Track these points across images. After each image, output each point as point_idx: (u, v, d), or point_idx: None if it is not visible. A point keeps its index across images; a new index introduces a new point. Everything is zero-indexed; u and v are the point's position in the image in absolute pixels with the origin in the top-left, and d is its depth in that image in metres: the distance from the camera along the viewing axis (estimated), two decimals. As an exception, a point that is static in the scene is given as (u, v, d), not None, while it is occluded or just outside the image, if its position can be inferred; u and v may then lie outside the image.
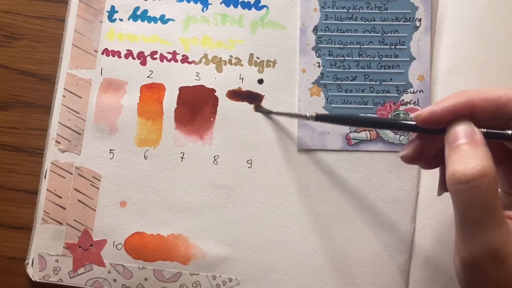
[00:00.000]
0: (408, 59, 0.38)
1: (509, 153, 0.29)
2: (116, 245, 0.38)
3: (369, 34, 0.39)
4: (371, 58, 0.38)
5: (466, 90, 0.27)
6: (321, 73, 0.39)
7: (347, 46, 0.39)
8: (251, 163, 0.38)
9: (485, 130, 0.26)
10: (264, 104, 0.39)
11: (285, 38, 0.39)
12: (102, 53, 0.39)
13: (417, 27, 0.38)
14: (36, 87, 0.40)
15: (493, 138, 0.26)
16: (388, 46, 0.38)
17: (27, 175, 0.40)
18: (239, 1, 0.39)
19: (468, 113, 0.26)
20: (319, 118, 0.34)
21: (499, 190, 0.31)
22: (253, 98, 0.39)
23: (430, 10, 0.38)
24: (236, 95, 0.39)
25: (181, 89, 0.39)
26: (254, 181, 0.38)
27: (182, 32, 0.39)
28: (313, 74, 0.39)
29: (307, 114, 0.34)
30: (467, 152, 0.25)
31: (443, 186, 0.30)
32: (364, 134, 0.38)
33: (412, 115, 0.28)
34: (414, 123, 0.28)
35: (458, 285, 0.27)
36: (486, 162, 0.24)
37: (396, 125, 0.32)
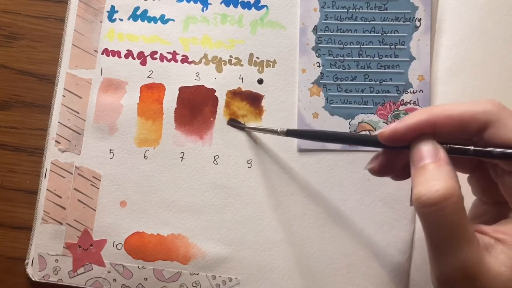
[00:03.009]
0: (408, 59, 0.38)
1: (480, 161, 0.29)
2: (116, 245, 0.38)
3: (369, 34, 0.39)
4: (371, 58, 0.38)
5: (429, 107, 0.27)
6: (321, 73, 0.39)
7: (347, 46, 0.39)
8: (251, 163, 0.38)
9: (448, 146, 0.26)
10: (264, 104, 0.39)
11: (285, 38, 0.39)
12: (102, 53, 0.39)
13: (417, 27, 0.38)
14: (36, 87, 0.40)
15: (456, 154, 0.26)
16: (388, 46, 0.38)
17: (27, 175, 0.40)
18: (239, 1, 0.39)
19: (431, 130, 0.26)
20: (289, 133, 0.34)
21: (474, 197, 0.31)
22: (253, 98, 0.39)
23: (430, 10, 0.38)
24: (236, 95, 0.39)
25: (181, 89, 0.39)
26: (254, 181, 0.38)
27: (182, 32, 0.39)
28: (313, 74, 0.39)
29: (278, 130, 0.35)
30: (431, 174, 0.25)
31: None
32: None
33: (375, 132, 0.28)
34: (376, 138, 0.28)
35: None
36: (450, 183, 0.25)
37: (361, 141, 0.32)
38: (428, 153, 0.26)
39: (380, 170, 0.30)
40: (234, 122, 0.38)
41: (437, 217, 0.24)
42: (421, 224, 0.26)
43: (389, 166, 0.30)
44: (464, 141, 0.27)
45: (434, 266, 0.26)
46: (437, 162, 0.25)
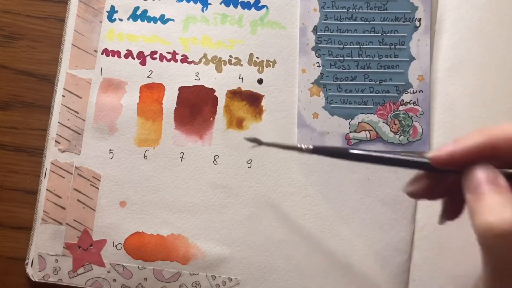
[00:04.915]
0: (408, 59, 0.38)
1: None
2: (116, 245, 0.38)
3: (369, 34, 0.39)
4: (371, 58, 0.38)
5: (486, 129, 0.25)
6: (321, 73, 0.39)
7: (347, 46, 0.39)
8: (251, 163, 0.38)
9: (505, 170, 0.24)
10: (264, 104, 0.39)
11: (284, 38, 0.39)
12: (102, 53, 0.39)
13: (417, 27, 0.38)
14: (36, 87, 0.40)
15: None
16: (388, 46, 0.38)
17: (27, 175, 0.40)
18: (239, 1, 0.39)
19: (490, 153, 0.24)
20: (316, 151, 0.29)
21: None
22: (253, 98, 0.39)
23: (430, 10, 0.38)
24: (236, 95, 0.39)
25: (181, 89, 0.39)
26: (254, 181, 0.38)
27: (182, 32, 0.39)
28: (313, 74, 0.39)
29: (303, 147, 0.29)
30: (496, 201, 0.23)
31: (447, 216, 0.28)
32: (364, 134, 0.38)
33: (428, 155, 0.25)
34: (427, 161, 0.26)
35: None
36: None
37: (405, 163, 0.27)
38: (487, 179, 0.24)
39: (421, 194, 0.28)
40: (250, 139, 0.32)
41: (508, 250, 0.22)
42: (481, 256, 0.23)
43: (431, 190, 0.27)
44: None
45: None
46: (498, 189, 0.23)
